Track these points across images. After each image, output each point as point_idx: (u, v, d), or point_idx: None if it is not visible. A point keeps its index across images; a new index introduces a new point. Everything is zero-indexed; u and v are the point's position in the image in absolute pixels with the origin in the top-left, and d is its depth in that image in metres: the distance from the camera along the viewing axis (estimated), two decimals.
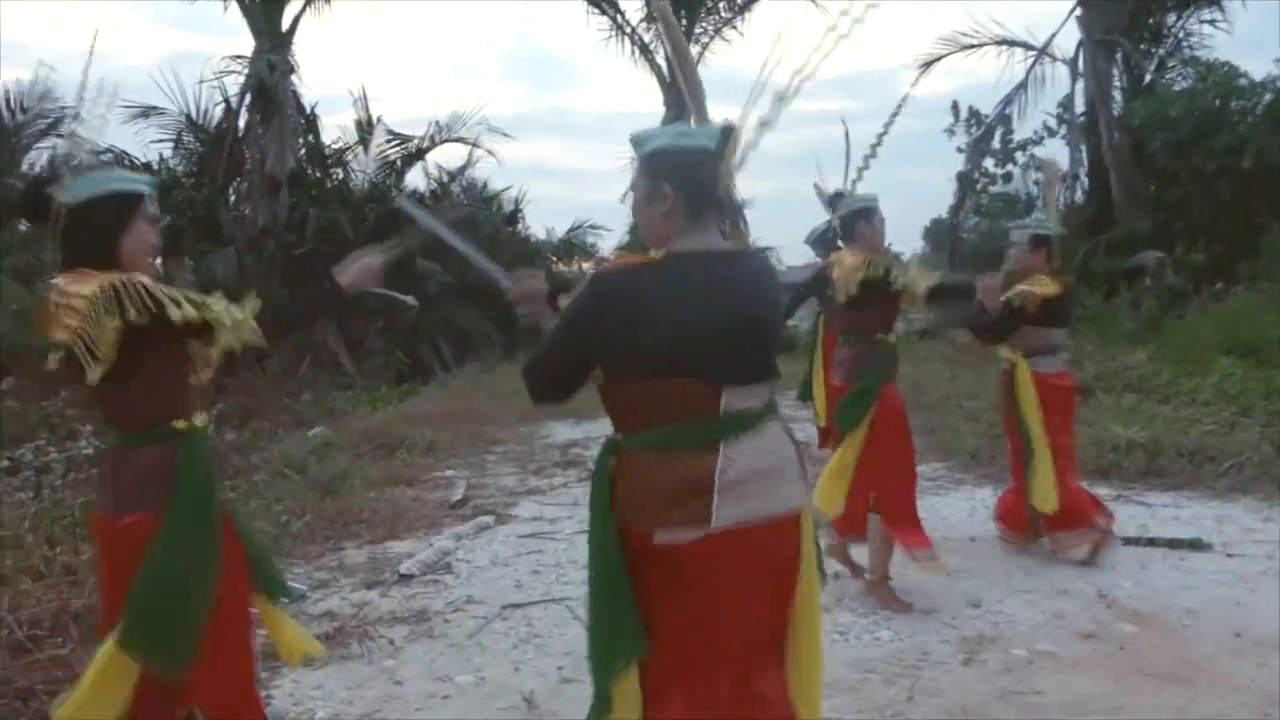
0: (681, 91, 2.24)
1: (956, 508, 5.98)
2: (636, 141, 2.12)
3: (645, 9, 18.74)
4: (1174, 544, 5.02)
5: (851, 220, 4.33)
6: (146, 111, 16.25)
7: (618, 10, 18.82)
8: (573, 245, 19.88)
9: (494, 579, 4.72)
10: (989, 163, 17.66)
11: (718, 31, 19.11)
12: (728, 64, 21.77)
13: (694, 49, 19.10)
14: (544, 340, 2.14)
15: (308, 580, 4.69)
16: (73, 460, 8.32)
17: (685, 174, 2.01)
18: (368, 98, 17.31)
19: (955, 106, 18.43)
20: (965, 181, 17.85)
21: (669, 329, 1.91)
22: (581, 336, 2.01)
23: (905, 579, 4.57)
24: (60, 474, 7.71)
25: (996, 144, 18.00)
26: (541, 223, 27.04)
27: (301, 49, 17.35)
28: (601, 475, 2.03)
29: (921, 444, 7.99)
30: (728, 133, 2.04)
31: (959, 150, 17.92)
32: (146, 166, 16.39)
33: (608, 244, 21.65)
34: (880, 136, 2.97)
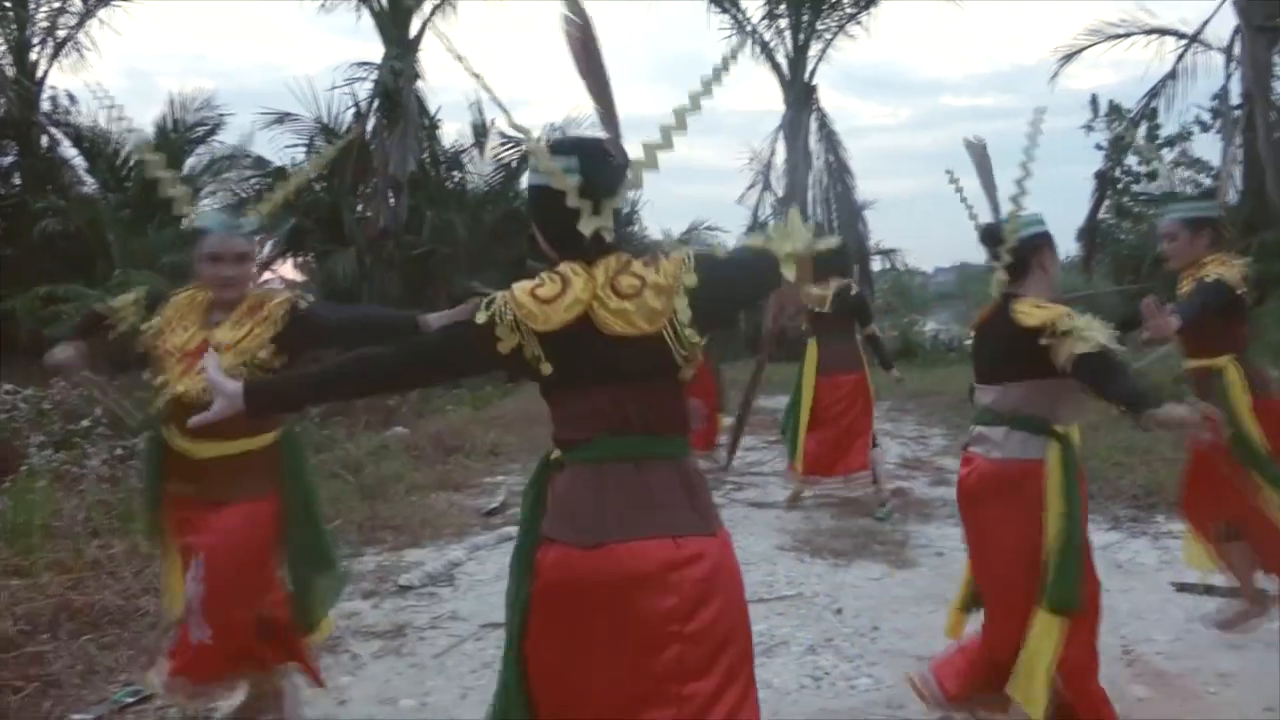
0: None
1: None
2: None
3: (766, 5, 18.47)
4: (1235, 593, 4.48)
5: (1029, 250, 2.81)
6: (282, 118, 17.14)
7: (738, 8, 18.59)
8: (685, 245, 19.74)
9: (489, 594, 4.67)
10: (1132, 160, 16.46)
11: (841, 28, 18.58)
12: (853, 60, 21.20)
13: (816, 46, 18.68)
14: None
15: None
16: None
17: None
18: (482, 102, 17.56)
19: (1094, 100, 17.28)
20: (1104, 180, 16.71)
21: None
22: None
23: (914, 619, 4.28)
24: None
25: (1142, 139, 16.76)
26: (659, 223, 27.00)
27: (429, 55, 17.89)
28: None
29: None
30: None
31: (1098, 148, 16.80)
32: (280, 170, 17.31)
33: (730, 243, 21.48)
34: (1024, 166, 2.75)
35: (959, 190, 2.93)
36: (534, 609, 1.85)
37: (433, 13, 17.71)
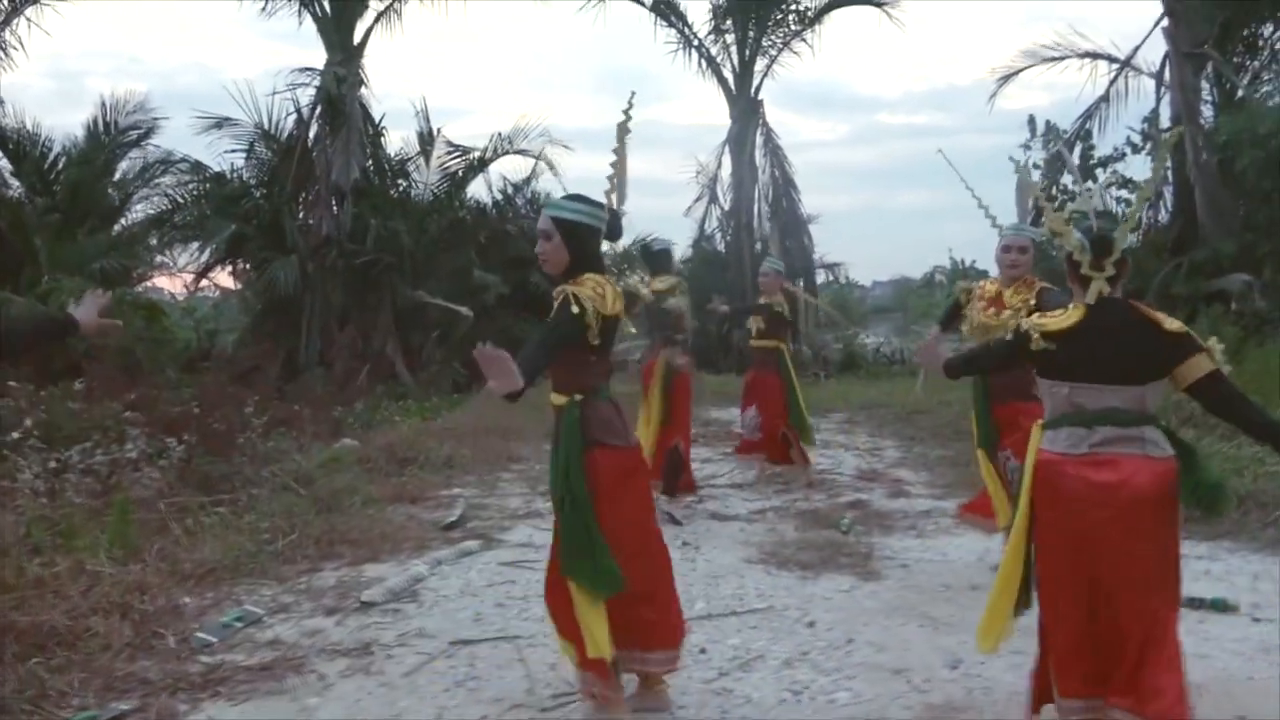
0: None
1: (967, 549, 5.60)
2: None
3: (712, 20, 18.60)
4: (1194, 603, 4.55)
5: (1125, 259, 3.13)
6: (220, 122, 16.72)
7: (685, 23, 18.69)
8: (632, 257, 19.75)
9: (455, 610, 4.57)
10: (1067, 179, 16.89)
11: (786, 44, 18.80)
12: (795, 76, 21.48)
13: (761, 61, 18.86)
14: None
15: (270, 604, 4.62)
16: (117, 463, 8.51)
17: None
18: (429, 110, 17.44)
19: (1031, 121, 17.73)
20: (1040, 198, 17.12)
21: None
22: None
23: (886, 632, 4.28)
24: (103, 476, 7.90)
25: (1076, 159, 17.23)
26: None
27: (373, 61, 17.67)
28: None
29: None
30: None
31: (1035, 166, 17.20)
32: (219, 176, 16.88)
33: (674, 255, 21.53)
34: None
35: (982, 205, 2.97)
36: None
37: (377, 19, 17.49)
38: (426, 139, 17.09)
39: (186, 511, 6.00)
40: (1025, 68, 17.16)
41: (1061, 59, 16.99)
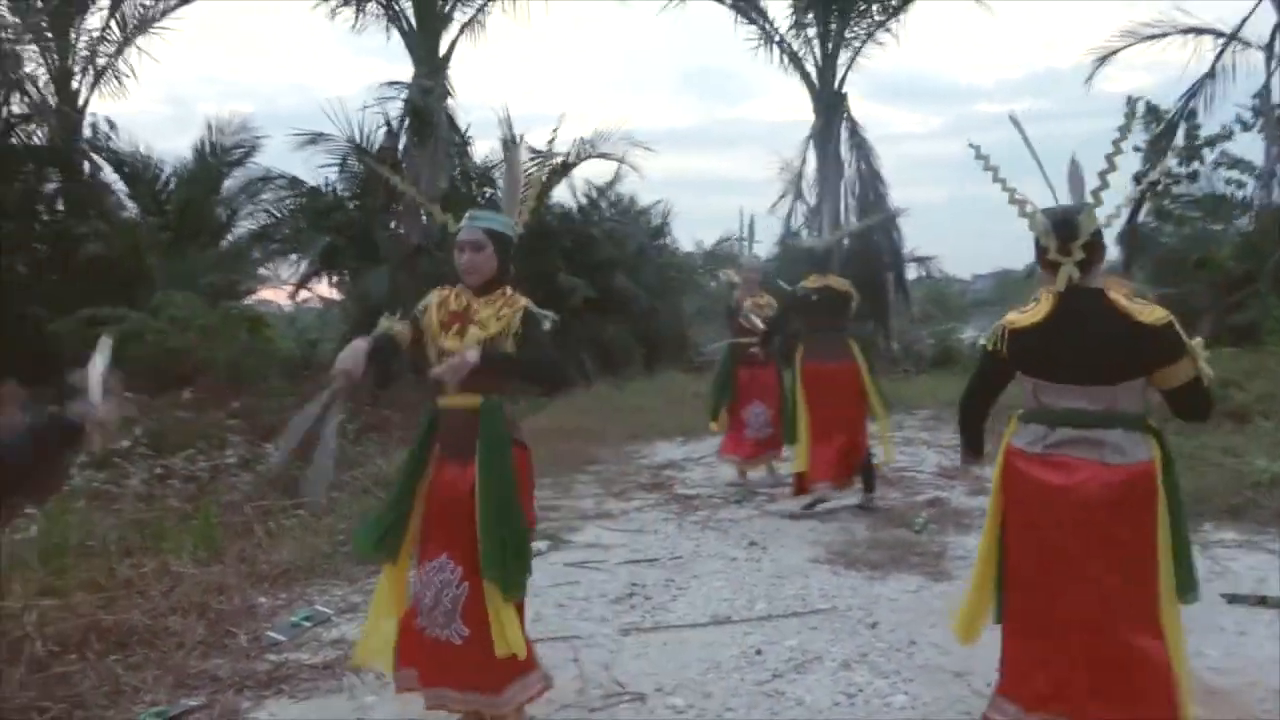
0: None
1: None
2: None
3: (793, 14, 18.37)
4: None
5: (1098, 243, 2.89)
6: (315, 138, 17.32)
7: (765, 18, 18.51)
8: (716, 257, 19.69)
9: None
10: (1171, 163, 16.12)
11: (869, 36, 18.44)
12: (884, 68, 21.06)
13: (845, 54, 18.53)
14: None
15: (340, 603, 4.75)
16: (217, 468, 8.91)
17: None
18: (513, 117, 17.72)
19: (1130, 102, 16.95)
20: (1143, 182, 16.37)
21: None
22: None
23: (951, 634, 4.14)
24: (204, 482, 8.29)
25: (1180, 141, 16.44)
26: (691, 235, 26.96)
27: (460, 72, 18.03)
28: None
29: None
30: None
31: (1136, 149, 16.45)
32: (314, 190, 17.48)
33: (762, 253, 21.37)
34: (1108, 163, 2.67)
35: (1015, 200, 2.79)
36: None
37: (461, 31, 17.85)
38: (510, 146, 17.36)
39: (270, 514, 6.22)
40: (1124, 47, 16.46)
41: (1163, 36, 16.23)
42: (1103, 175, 2.71)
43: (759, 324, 7.12)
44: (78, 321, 15.81)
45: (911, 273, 20.68)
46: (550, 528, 6.24)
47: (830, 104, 18.42)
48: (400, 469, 3.33)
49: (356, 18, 17.63)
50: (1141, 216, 16.92)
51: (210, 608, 4.47)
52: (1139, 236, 16.92)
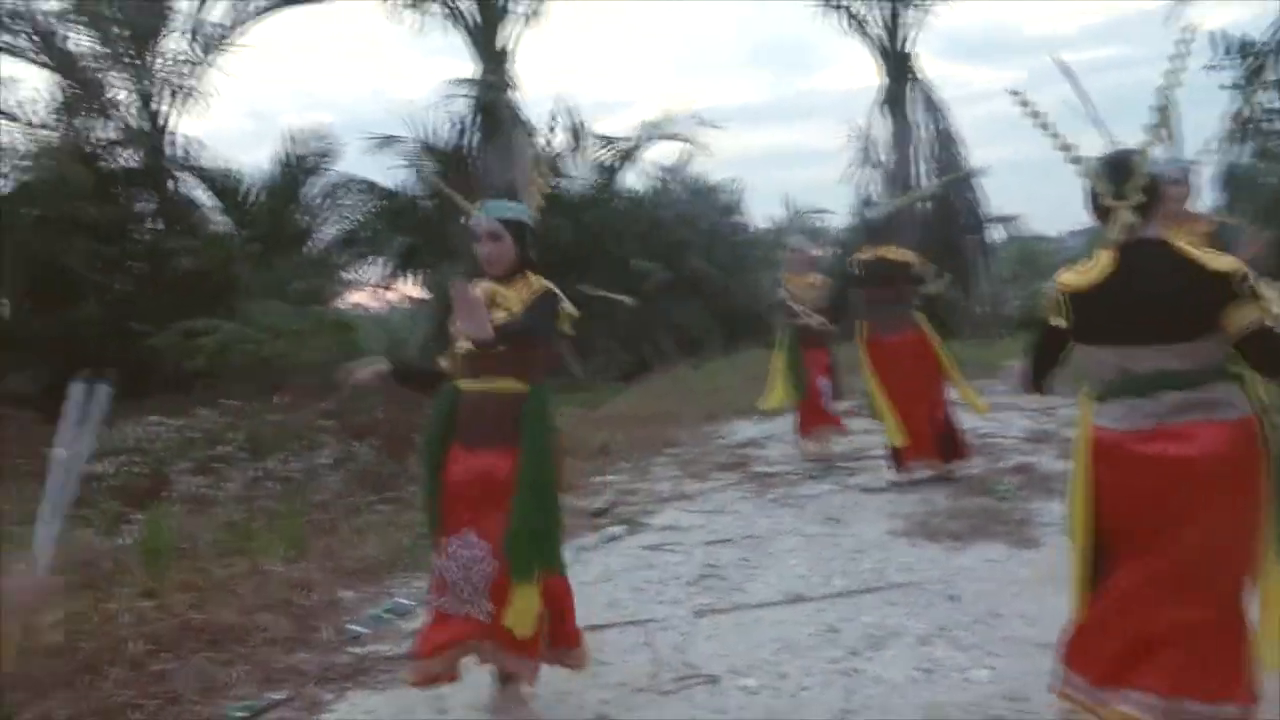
0: None
1: None
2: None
3: None
4: None
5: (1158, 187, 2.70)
6: (388, 141, 17.68)
7: None
8: (792, 230, 19.42)
9: (591, 596, 4.61)
10: (1264, 96, 15.25)
11: None
12: (959, 26, 20.40)
13: (911, 14, 18.05)
14: None
15: (421, 596, 4.84)
16: (311, 471, 9.20)
17: None
18: (582, 104, 17.84)
19: (1214, 38, 16.05)
20: (1241, 122, 15.55)
21: None
22: None
23: (1037, 603, 4.02)
24: (299, 483, 8.55)
25: (1275, 75, 15.53)
26: (761, 210, 26.69)
27: (523, 65, 18.16)
28: None
29: None
30: None
31: (1222, 88, 15.60)
32: (390, 192, 17.86)
33: (833, 226, 21.00)
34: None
35: (1065, 146, 2.63)
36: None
37: (524, 24, 17.97)
38: (576, 134, 17.44)
39: (357, 511, 6.39)
40: None
41: None
42: (1161, 111, 2.54)
43: (797, 309, 7.01)
44: (174, 334, 16.48)
45: (1000, 233, 20.11)
46: (627, 511, 6.26)
47: (898, 66, 17.98)
48: (423, 455, 3.36)
49: (420, 19, 17.89)
50: (1243, 158, 16.08)
51: (296, 604, 4.61)
52: (1236, 178, 16.10)
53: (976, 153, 18.72)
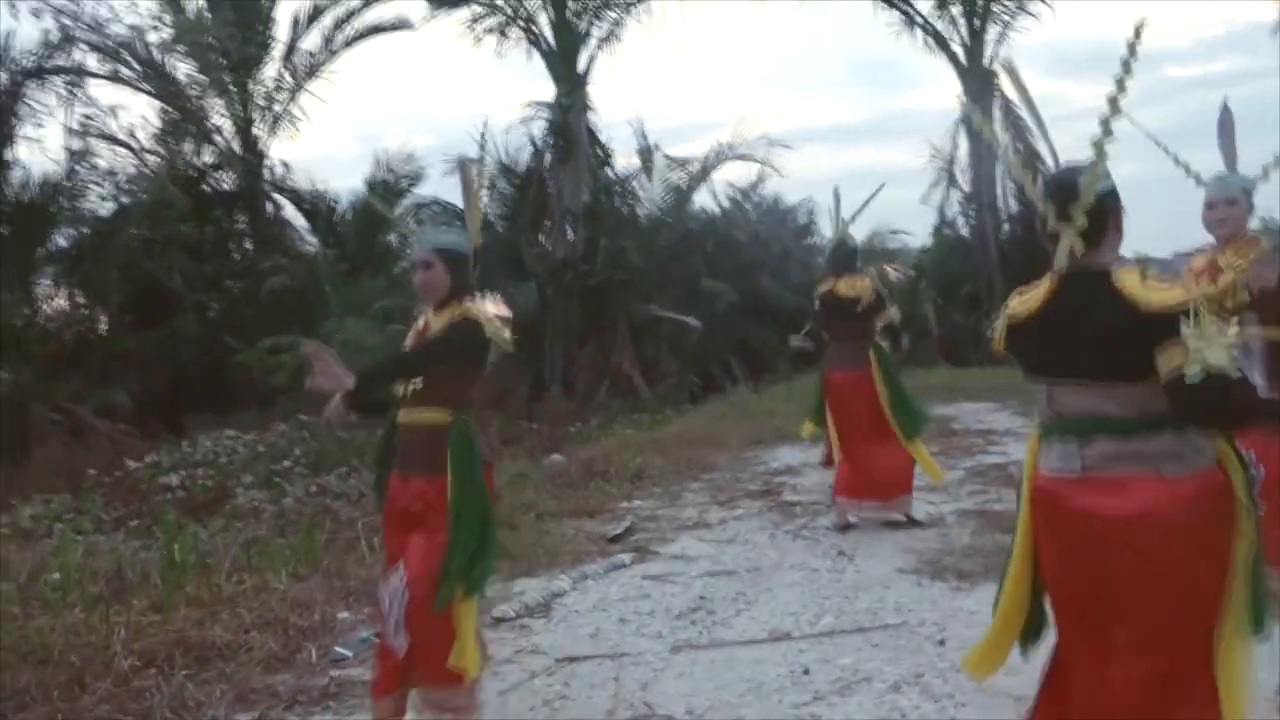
0: None
1: None
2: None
3: None
4: None
5: (1108, 209, 2.52)
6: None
7: (906, 2, 17.81)
8: (872, 252, 19.05)
9: (578, 626, 4.60)
10: None
11: (1019, 6, 17.40)
12: (1057, 39, 19.75)
13: (994, 29, 17.58)
14: None
15: None
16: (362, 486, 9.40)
17: None
18: (659, 127, 17.90)
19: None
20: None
21: None
22: None
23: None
24: (353, 499, 8.77)
25: None
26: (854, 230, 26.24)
27: (598, 87, 18.35)
28: None
29: None
30: None
31: None
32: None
33: (914, 247, 20.52)
34: None
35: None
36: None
37: (599, 46, 18.16)
38: (647, 155, 17.51)
39: (378, 529, 6.48)
40: None
41: None
42: (1103, 123, 2.29)
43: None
44: (260, 351, 17.12)
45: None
46: (643, 539, 6.20)
47: (980, 83, 17.50)
48: (374, 485, 3.44)
49: (499, 43, 18.28)
50: None
51: (293, 623, 4.69)
52: None
53: None
